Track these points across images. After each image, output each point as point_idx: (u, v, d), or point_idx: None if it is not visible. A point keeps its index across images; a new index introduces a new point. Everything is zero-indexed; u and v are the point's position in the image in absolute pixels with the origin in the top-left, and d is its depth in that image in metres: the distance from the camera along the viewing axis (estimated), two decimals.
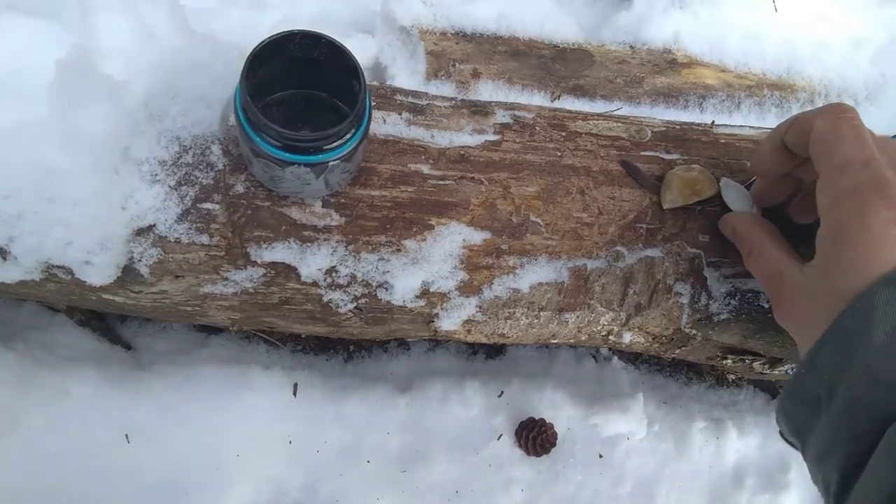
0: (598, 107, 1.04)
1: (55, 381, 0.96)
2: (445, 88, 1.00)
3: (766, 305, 0.85)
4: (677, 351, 0.94)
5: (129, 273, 0.76)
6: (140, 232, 0.74)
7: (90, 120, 0.65)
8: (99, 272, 0.74)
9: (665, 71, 1.09)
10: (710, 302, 0.85)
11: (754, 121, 1.11)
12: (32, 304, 1.02)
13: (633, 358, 1.16)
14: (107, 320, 1.06)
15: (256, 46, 0.65)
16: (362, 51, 1.02)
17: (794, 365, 0.93)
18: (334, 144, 0.68)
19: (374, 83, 0.92)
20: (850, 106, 0.63)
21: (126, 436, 0.95)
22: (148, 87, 0.72)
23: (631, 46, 1.09)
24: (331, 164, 0.69)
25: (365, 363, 1.11)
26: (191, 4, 0.95)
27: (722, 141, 0.91)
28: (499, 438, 1.04)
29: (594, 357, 1.14)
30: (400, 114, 0.85)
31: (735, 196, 0.85)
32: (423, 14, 1.01)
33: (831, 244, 0.59)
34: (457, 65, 1.01)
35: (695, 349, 0.93)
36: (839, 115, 0.61)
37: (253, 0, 1.11)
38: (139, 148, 0.72)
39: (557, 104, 1.04)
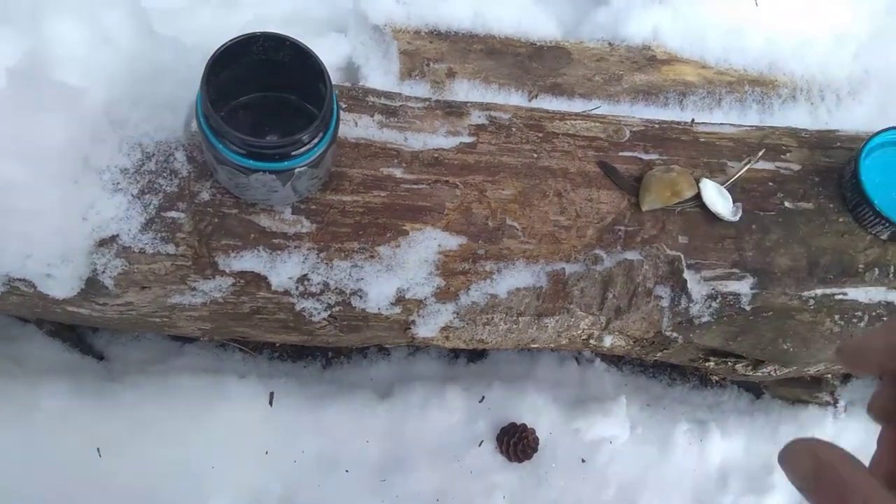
0: (577, 105, 1.02)
1: (24, 393, 0.94)
2: (420, 88, 0.98)
3: (748, 308, 0.84)
4: (659, 354, 0.92)
5: (93, 285, 0.74)
6: (103, 243, 0.72)
7: (45, 129, 0.63)
8: (61, 285, 0.72)
9: (644, 68, 1.07)
10: (691, 305, 0.83)
11: (735, 117, 1.09)
12: (1, 316, 0.99)
13: (616, 360, 1.14)
14: (78, 331, 1.04)
15: (216, 51, 0.63)
16: (335, 50, 1.00)
17: (776, 366, 0.92)
18: (300, 150, 0.66)
19: (346, 84, 0.90)
20: None
21: (98, 449, 0.93)
22: (107, 93, 0.70)
23: (609, 43, 1.07)
24: (297, 170, 0.67)
25: (344, 369, 1.09)
26: (159, 5, 0.92)
27: (702, 140, 0.90)
28: (480, 445, 1.02)
29: (577, 359, 1.12)
30: (372, 116, 0.83)
31: (716, 197, 0.83)
32: (396, 12, 0.98)
33: None
34: (431, 64, 0.98)
35: (677, 352, 0.91)
36: None
37: None
38: (99, 156, 0.70)
39: (535, 103, 1.02)
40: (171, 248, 0.74)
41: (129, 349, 1.04)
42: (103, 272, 0.73)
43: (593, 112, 0.94)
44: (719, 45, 1.10)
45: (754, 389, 1.14)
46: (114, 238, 0.72)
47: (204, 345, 1.04)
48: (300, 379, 1.05)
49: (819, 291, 0.85)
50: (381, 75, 0.97)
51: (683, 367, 1.14)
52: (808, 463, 0.43)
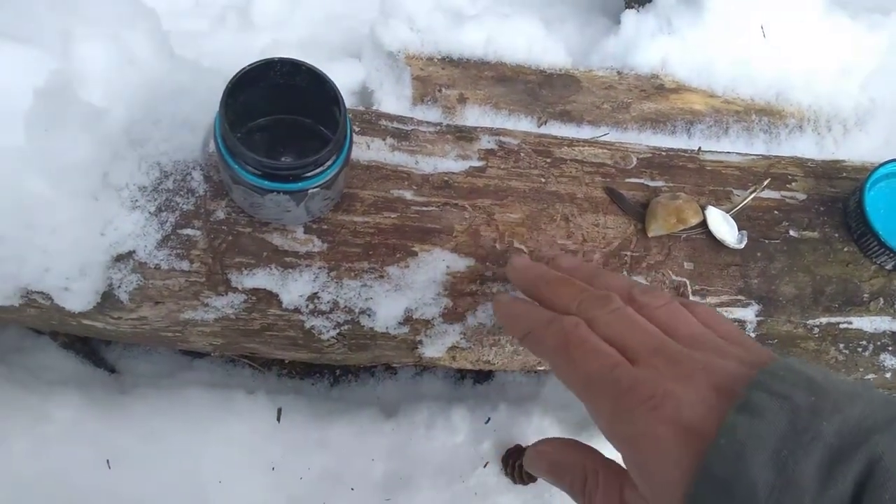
0: (585, 133, 1.04)
1: (37, 404, 0.95)
2: (431, 114, 1.00)
3: (753, 335, 0.84)
4: None
5: (108, 299, 0.76)
6: (119, 258, 0.74)
7: (69, 147, 0.65)
8: (78, 298, 0.74)
9: (652, 96, 1.09)
10: None
11: (742, 147, 1.10)
12: (15, 326, 1.01)
13: None
14: (91, 343, 1.06)
15: (235, 75, 0.65)
16: (350, 75, 1.02)
17: None
18: (314, 172, 0.67)
19: (360, 108, 0.93)
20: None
21: (107, 461, 0.94)
22: (129, 112, 0.72)
23: (618, 72, 1.09)
24: (311, 191, 0.69)
25: (351, 387, 1.10)
26: (178, 27, 0.95)
27: (708, 168, 0.91)
28: (485, 466, 1.02)
29: None
30: (384, 139, 0.85)
31: (721, 224, 0.85)
32: (410, 39, 1.01)
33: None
34: (443, 90, 1.01)
35: None
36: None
37: (242, 23, 1.12)
38: (119, 174, 0.72)
39: (544, 129, 1.04)
40: (185, 265, 0.75)
41: (140, 362, 1.06)
42: (119, 287, 0.75)
43: (601, 139, 0.96)
44: (727, 75, 1.11)
45: None
46: (130, 254, 0.74)
47: (214, 360, 1.06)
48: (308, 396, 1.06)
49: (824, 320, 0.86)
50: (394, 100, 1.00)
51: None
52: (541, 463, 0.60)
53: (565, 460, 0.57)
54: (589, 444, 1.02)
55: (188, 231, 0.75)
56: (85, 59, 0.67)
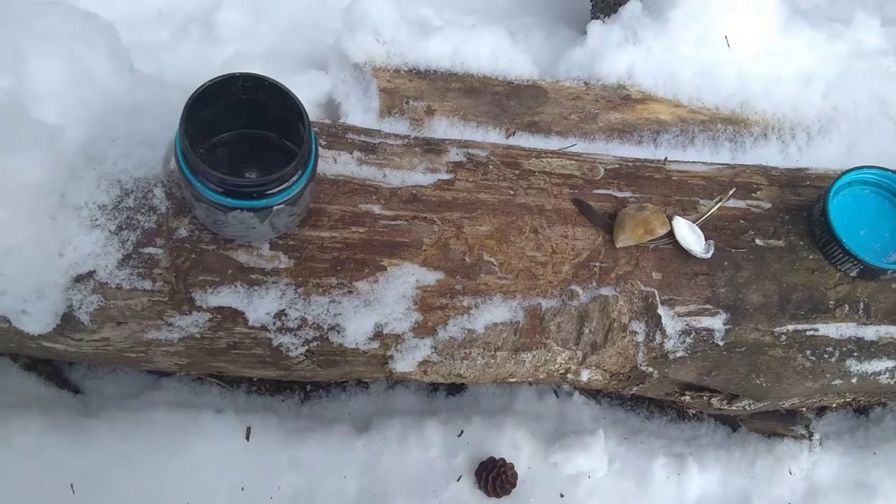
0: (553, 143, 1.04)
1: None
2: (399, 126, 0.99)
3: (721, 343, 0.85)
4: (635, 388, 0.93)
5: (68, 321, 0.74)
6: (79, 279, 0.72)
7: (22, 167, 0.63)
8: (36, 321, 0.72)
9: (619, 107, 1.09)
10: (665, 340, 0.84)
11: (708, 155, 1.11)
12: None
13: (594, 392, 1.15)
14: (54, 363, 1.03)
15: (196, 91, 0.64)
16: (315, 87, 1.01)
17: (750, 401, 0.93)
18: (278, 189, 0.66)
19: (326, 121, 0.92)
20: None
21: (71, 485, 0.92)
22: (86, 130, 0.70)
23: (585, 82, 1.10)
24: (275, 208, 0.68)
25: (322, 403, 1.08)
26: (140, 39, 0.94)
27: (675, 178, 0.92)
28: (458, 480, 1.02)
29: (555, 392, 1.13)
30: (351, 153, 0.84)
31: (688, 234, 0.85)
32: (376, 51, 1.00)
33: None
34: (410, 102, 1.00)
35: (653, 386, 0.92)
36: None
37: (205, 34, 1.10)
38: (77, 193, 0.70)
39: (512, 141, 1.04)
40: (147, 284, 0.74)
41: (105, 382, 1.03)
42: (79, 308, 0.73)
43: (569, 150, 0.96)
44: (692, 85, 1.12)
45: (730, 422, 1.14)
46: (90, 274, 0.72)
47: (181, 378, 1.04)
48: (278, 413, 1.04)
49: (790, 327, 0.87)
50: (361, 112, 0.99)
51: (660, 400, 1.15)
52: None
53: None
54: (559, 456, 1.01)
55: (150, 249, 0.73)
56: (38, 77, 0.65)
